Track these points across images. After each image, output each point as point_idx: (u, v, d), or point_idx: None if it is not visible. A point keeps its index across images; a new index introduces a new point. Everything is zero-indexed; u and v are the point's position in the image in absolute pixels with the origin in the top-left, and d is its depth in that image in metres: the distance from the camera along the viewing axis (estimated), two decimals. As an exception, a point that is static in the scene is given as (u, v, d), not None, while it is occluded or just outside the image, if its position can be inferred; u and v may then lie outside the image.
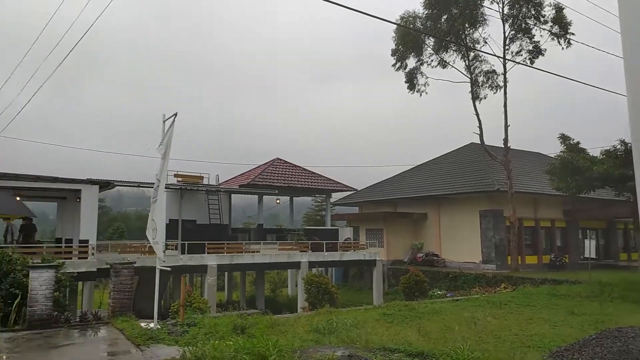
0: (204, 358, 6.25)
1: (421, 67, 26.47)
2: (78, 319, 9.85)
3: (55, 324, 9.22)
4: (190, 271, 22.64)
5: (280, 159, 28.99)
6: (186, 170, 24.90)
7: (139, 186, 22.23)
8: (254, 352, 6.45)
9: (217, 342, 7.04)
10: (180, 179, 23.68)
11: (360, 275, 28.88)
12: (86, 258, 16.01)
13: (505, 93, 24.57)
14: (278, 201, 29.19)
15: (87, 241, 16.50)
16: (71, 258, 15.59)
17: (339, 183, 28.83)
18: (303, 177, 27.77)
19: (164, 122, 9.20)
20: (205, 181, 25.19)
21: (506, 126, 24.34)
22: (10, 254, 11.02)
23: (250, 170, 29.27)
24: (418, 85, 26.71)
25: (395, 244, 28.52)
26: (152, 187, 23.31)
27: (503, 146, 24.50)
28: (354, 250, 23.82)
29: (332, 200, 31.43)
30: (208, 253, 19.39)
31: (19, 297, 9.41)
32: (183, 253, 19.31)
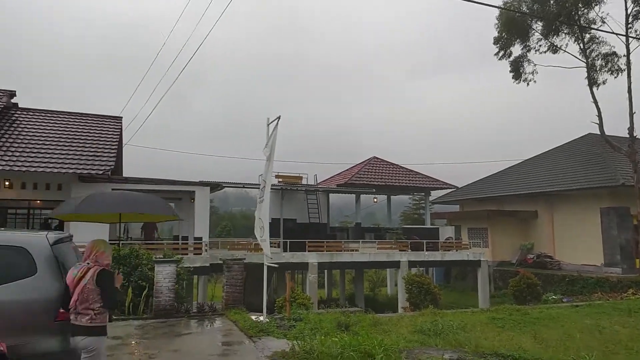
0: (313, 353, 6.38)
1: (528, 54, 24.58)
2: (196, 310, 10.67)
3: (176, 313, 10.09)
4: (291, 268, 23.43)
5: (377, 158, 28.82)
6: (286, 171, 25.83)
7: (244, 187, 23.58)
8: (360, 349, 6.45)
9: (323, 337, 7.18)
10: (280, 179, 24.60)
11: (463, 276, 27.66)
12: (200, 254, 17.35)
13: (629, 76, 21.88)
14: (375, 200, 29.04)
15: (200, 238, 17.89)
16: (187, 254, 16.96)
17: (438, 180, 27.90)
18: (401, 175, 27.33)
19: (268, 124, 9.59)
20: (304, 181, 25.92)
21: (631, 113, 21.65)
22: (137, 249, 12.29)
23: (347, 170, 29.52)
24: (525, 74, 24.83)
25: (501, 244, 26.85)
26: (256, 188, 24.54)
27: (628, 136, 21.84)
28: (457, 250, 22.89)
29: (431, 198, 30.49)
30: (309, 251, 19.92)
31: (146, 288, 10.45)
32: (285, 251, 20.07)
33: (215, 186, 19.70)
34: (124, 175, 21.29)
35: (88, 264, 4.51)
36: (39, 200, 17.33)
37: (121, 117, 20.67)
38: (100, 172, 15.89)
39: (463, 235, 28.43)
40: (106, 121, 20.02)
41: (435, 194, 32.11)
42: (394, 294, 26.55)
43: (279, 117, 9.17)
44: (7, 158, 15.16)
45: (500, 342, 8.84)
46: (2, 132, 16.84)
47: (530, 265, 24.33)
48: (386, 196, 29.76)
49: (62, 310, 4.49)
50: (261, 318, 9.43)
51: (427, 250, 21.56)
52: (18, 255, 4.61)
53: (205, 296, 22.82)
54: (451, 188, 29.70)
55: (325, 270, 28.48)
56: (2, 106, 17.78)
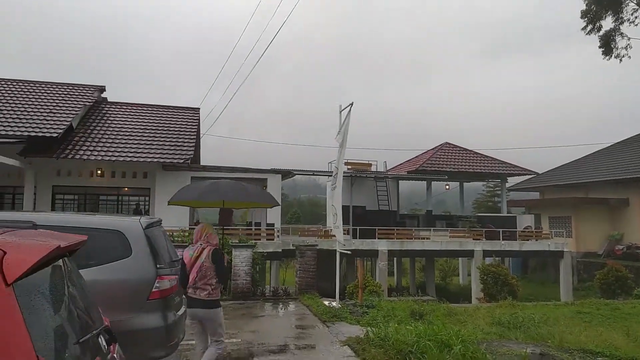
0: (388, 340, 6.37)
1: (621, 26, 22.41)
2: (270, 293, 11.04)
3: (252, 296, 10.51)
4: (361, 255, 23.49)
5: (450, 143, 27.86)
6: (355, 158, 25.76)
7: (313, 174, 23.86)
8: (436, 339, 6.33)
9: (397, 325, 7.14)
10: (350, 166, 24.58)
11: (542, 267, 26.18)
12: (273, 240, 17.87)
13: None
14: (447, 187, 28.16)
15: (273, 225, 18.42)
16: (260, 239, 17.54)
17: (516, 166, 26.44)
18: (475, 161, 26.23)
19: (340, 111, 9.58)
20: (373, 168, 25.72)
21: None
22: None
23: (417, 156, 28.86)
24: (617, 49, 22.70)
25: (587, 234, 25.02)
26: (325, 175, 24.72)
27: None
28: (536, 240, 21.66)
29: (507, 185, 29.01)
30: (378, 238, 19.82)
31: (224, 271, 10.95)
32: (355, 238, 20.11)
33: (286, 173, 20.13)
34: (201, 163, 22.38)
35: (201, 244, 4.95)
36: (127, 187, 18.72)
37: (199, 108, 21.66)
38: (182, 160, 16.81)
39: (543, 224, 26.82)
40: (185, 112, 21.09)
41: (512, 181, 30.52)
42: (467, 284, 25.75)
43: (351, 104, 9.13)
44: (99, 149, 16.49)
45: (587, 337, 8.27)
46: (94, 125, 18.31)
47: (619, 257, 22.47)
48: (458, 183, 28.75)
49: (155, 290, 4.83)
50: (333, 303, 9.56)
51: (503, 239, 20.61)
52: (115, 238, 4.99)
53: (277, 280, 23.53)
54: (530, 174, 28.03)
55: (395, 258, 28.21)
56: (94, 101, 19.33)
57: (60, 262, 2.53)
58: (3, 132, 15.05)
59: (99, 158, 16.02)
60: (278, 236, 18.16)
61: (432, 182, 26.08)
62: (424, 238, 20.81)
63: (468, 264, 26.07)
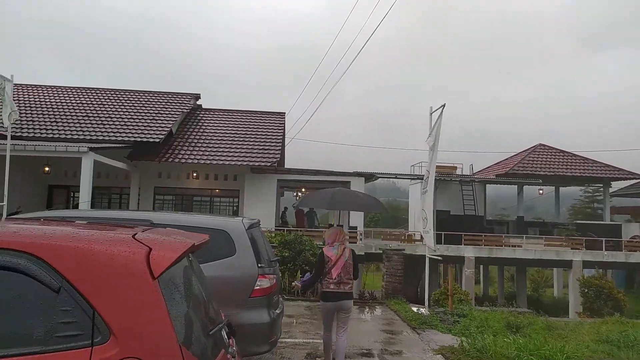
0: (485, 352, 6.11)
1: None
2: (357, 297, 11.06)
3: (339, 298, 10.59)
4: (445, 261, 22.76)
5: (544, 145, 26.07)
6: (440, 160, 25.02)
7: (396, 177, 23.59)
8: (539, 354, 5.97)
9: (493, 337, 6.82)
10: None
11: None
12: (355, 243, 17.91)
13: None
14: (541, 191, 26.35)
15: (355, 227, 18.48)
16: (343, 242, 17.61)
17: (621, 169, 24.07)
18: (572, 163, 24.30)
19: (431, 113, 9.39)
20: (458, 171, 24.84)
21: None
22: (301, 236, 13.21)
23: (507, 159, 27.38)
24: None
25: None
26: (407, 178, 24.23)
27: None
28: (646, 251, 19.55)
29: (610, 190, 26.51)
30: (465, 244, 19.09)
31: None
32: (439, 243, 19.51)
33: (369, 176, 20.10)
34: (285, 166, 23.05)
35: (339, 244, 5.52)
36: (218, 189, 19.81)
37: (284, 113, 22.37)
38: (268, 164, 17.46)
39: (654, 234, 24.13)
40: (272, 117, 21.88)
41: (615, 186, 27.83)
42: (562, 296, 23.93)
43: (443, 106, 8.90)
44: (195, 152, 17.64)
45: None
46: (191, 130, 19.62)
47: None
48: (553, 188, 26.80)
49: (257, 288, 5.06)
50: (422, 310, 9.36)
51: (606, 249, 18.87)
52: (221, 237, 5.30)
53: (360, 284, 23.52)
54: (637, 178, 25.42)
55: (481, 266, 26.95)
56: (190, 108, 20.73)
57: (188, 258, 2.75)
58: (114, 138, 16.65)
59: (195, 161, 17.13)
60: (361, 239, 18.18)
61: (524, 187, 24.58)
62: (514, 246, 19.67)
63: (564, 275, 24.19)
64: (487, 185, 24.60)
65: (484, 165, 29.84)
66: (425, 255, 9.87)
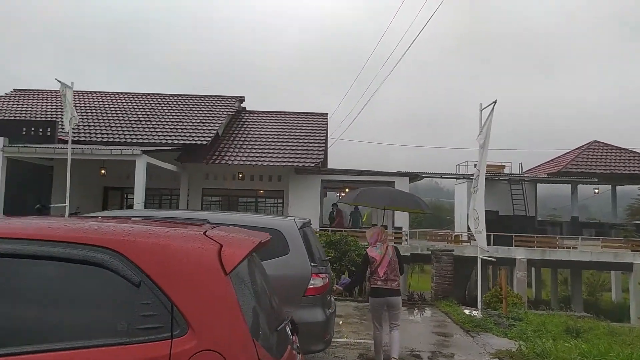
0: (546, 357, 5.86)
1: None
2: (405, 298, 10.90)
3: (387, 299, 10.46)
4: (494, 263, 22.08)
5: (599, 142, 24.80)
6: (488, 159, 24.29)
7: (441, 177, 23.13)
8: (605, 361, 5.66)
9: (553, 341, 6.53)
10: (480, 168, 23.23)
11: None
12: (400, 243, 17.68)
13: None
14: (597, 190, 25.06)
15: (400, 228, 18.24)
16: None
17: (685, 167, 22.53)
18: (631, 161, 22.97)
19: (481, 110, 9.13)
20: (507, 170, 24.05)
21: None
22: (346, 236, 13.17)
23: (559, 157, 26.23)
24: None
25: None
26: (452, 178, 23.70)
27: None
28: None
29: (674, 189, 24.86)
30: (515, 246, 18.44)
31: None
32: (488, 244, 18.90)
33: (414, 176, 19.80)
34: (328, 166, 23.09)
35: (381, 244, 5.60)
36: (262, 190, 20.09)
37: (327, 114, 22.42)
38: (312, 164, 17.54)
39: None
40: (315, 118, 21.98)
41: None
42: (622, 301, 22.64)
43: (494, 102, 8.63)
44: (240, 154, 17.98)
45: None
46: (236, 132, 20.02)
47: None
48: (610, 187, 25.42)
49: (310, 287, 5.07)
50: (474, 312, 9.10)
51: (671, 252, 17.70)
52: (274, 236, 5.34)
53: (405, 285, 23.20)
54: None
55: (533, 268, 25.94)
56: (235, 110, 21.15)
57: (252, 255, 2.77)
58: (164, 141, 17.23)
59: (241, 163, 17.45)
60: (406, 240, 17.93)
61: (578, 186, 23.46)
62: (569, 247, 18.80)
63: (623, 279, 22.88)
64: (538, 184, 23.66)
65: (534, 164, 28.73)
66: (476, 256, 9.59)
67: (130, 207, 17.63)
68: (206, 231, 2.39)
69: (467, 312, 9.15)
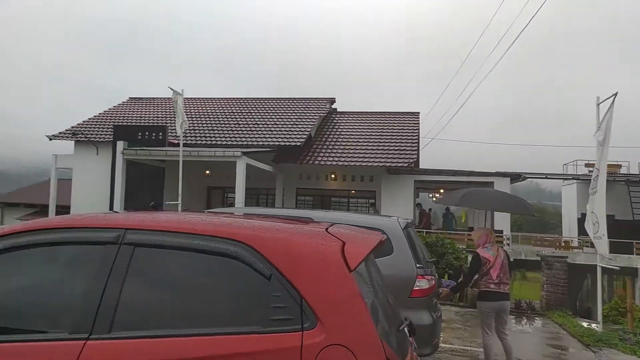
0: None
1: None
2: (513, 306, 10.19)
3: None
4: (609, 273, 19.95)
5: None
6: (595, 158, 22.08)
7: (546, 177, 21.45)
8: None
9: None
10: (591, 168, 21.18)
11: None
12: (502, 247, 16.61)
13: None
14: None
15: (501, 231, 17.16)
16: (486, 246, 16.48)
17: None
18: None
19: (598, 104, 8.25)
20: (624, 170, 21.64)
21: None
22: (443, 238, 12.67)
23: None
24: None
25: None
26: (558, 179, 21.82)
27: None
28: None
29: None
30: (637, 254, 16.49)
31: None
32: (603, 251, 17.13)
33: (515, 177, 18.55)
34: (420, 167, 22.48)
35: (492, 245, 5.41)
36: (354, 190, 20.10)
37: (418, 112, 21.85)
38: (405, 164, 17.17)
39: None
40: (406, 117, 21.54)
41: None
42: None
43: (615, 94, 7.74)
44: (333, 155, 18.15)
45: None
46: (328, 133, 20.26)
47: None
48: None
49: (416, 288, 4.89)
50: (593, 325, 8.23)
51: None
52: (380, 236, 5.25)
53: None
54: None
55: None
56: (327, 112, 21.43)
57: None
58: (261, 143, 17.95)
59: (334, 163, 17.60)
60: (508, 244, 16.84)
61: None
62: None
63: None
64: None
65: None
66: (591, 264, 8.69)
67: (231, 205, 18.61)
68: (327, 228, 2.38)
69: (585, 324, 8.30)
